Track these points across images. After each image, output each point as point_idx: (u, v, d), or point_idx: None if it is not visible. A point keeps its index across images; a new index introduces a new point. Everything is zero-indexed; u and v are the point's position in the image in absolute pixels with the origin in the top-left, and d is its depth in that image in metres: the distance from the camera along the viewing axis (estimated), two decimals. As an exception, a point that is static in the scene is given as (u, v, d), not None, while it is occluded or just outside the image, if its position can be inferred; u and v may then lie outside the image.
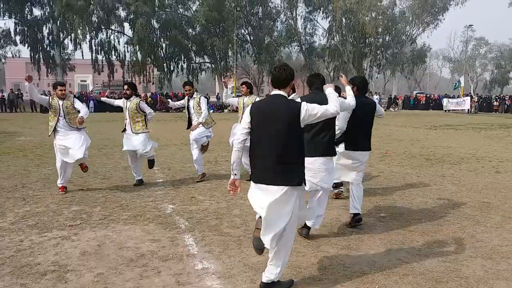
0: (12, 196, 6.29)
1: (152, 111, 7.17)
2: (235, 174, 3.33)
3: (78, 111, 6.42)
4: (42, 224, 5.02)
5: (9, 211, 5.52)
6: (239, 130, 3.43)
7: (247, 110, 3.36)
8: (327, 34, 46.13)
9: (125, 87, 7.11)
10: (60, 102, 6.36)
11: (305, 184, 3.43)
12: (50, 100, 6.39)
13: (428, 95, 44.04)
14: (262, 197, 3.29)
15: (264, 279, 3.35)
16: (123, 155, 10.12)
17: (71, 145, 6.28)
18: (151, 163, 7.26)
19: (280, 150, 3.21)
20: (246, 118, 3.31)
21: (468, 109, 34.43)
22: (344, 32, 44.26)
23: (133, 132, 6.91)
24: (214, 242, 4.46)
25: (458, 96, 38.19)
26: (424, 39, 76.34)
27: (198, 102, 7.38)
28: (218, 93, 41.35)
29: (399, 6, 45.59)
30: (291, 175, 3.23)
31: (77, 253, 4.15)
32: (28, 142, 12.69)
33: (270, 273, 3.34)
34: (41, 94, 27.37)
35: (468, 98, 35.39)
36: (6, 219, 5.20)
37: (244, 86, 7.49)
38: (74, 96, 6.87)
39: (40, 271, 3.73)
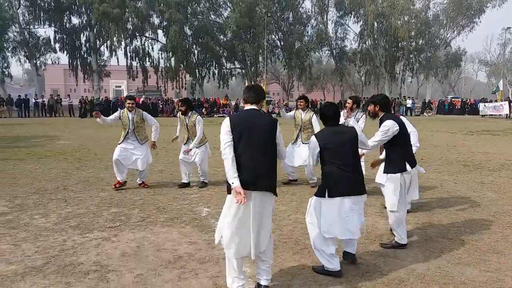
0: (55, 198, 6.55)
1: (200, 132, 7.34)
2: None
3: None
4: (83, 225, 5.20)
5: (52, 212, 5.75)
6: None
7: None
8: (359, 38, 45.61)
9: (180, 104, 7.48)
10: (130, 116, 7.13)
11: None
12: (121, 114, 7.18)
13: (463, 100, 42.75)
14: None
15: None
16: (159, 159, 10.37)
17: (136, 153, 7.16)
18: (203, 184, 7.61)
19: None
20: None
21: (507, 114, 33.21)
22: (376, 36, 43.61)
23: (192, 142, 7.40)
24: (249, 246, 4.48)
25: (496, 101, 36.93)
26: (459, 42, 74.71)
27: None
28: None
29: (432, 9, 44.70)
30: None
31: (118, 254, 4.28)
32: (68, 145, 13.16)
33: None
34: (79, 100, 28.16)
35: (507, 102, 34.16)
36: (50, 219, 5.42)
37: (302, 100, 7.62)
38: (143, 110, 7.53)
39: (83, 270, 3.87)
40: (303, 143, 7.44)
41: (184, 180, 7.50)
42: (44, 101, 31.42)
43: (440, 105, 40.62)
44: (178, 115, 7.77)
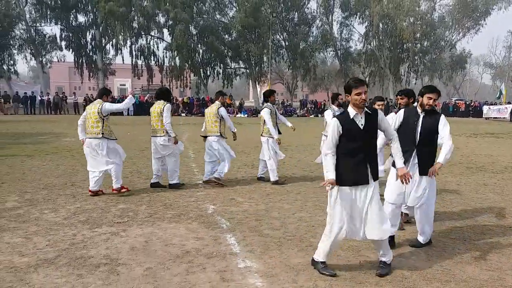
0: (63, 193, 6.67)
1: (169, 120, 7.00)
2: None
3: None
4: (92, 220, 5.31)
5: (61, 207, 5.87)
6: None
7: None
8: (364, 39, 45.63)
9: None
10: None
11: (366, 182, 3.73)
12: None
13: (468, 102, 42.70)
14: None
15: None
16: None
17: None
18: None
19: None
20: None
21: (511, 117, 33.19)
22: (381, 37, 43.65)
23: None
24: (255, 243, 4.59)
25: (500, 104, 36.92)
26: (464, 45, 74.44)
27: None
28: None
29: (438, 11, 44.69)
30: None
31: (127, 248, 4.38)
32: (74, 142, 13.28)
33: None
34: (84, 98, 28.19)
35: (510, 105, 34.14)
36: (59, 214, 5.54)
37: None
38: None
39: (94, 263, 3.98)
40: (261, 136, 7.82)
41: (153, 180, 7.26)
42: (49, 98, 31.61)
43: (444, 107, 40.57)
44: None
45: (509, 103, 36.42)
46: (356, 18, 44.96)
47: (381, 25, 42.69)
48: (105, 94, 6.74)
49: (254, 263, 4.04)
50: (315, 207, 6.16)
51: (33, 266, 3.89)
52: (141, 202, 6.24)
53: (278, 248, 4.44)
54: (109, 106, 6.57)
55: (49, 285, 3.52)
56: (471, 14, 42.11)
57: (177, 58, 40.41)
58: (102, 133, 6.39)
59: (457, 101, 44.01)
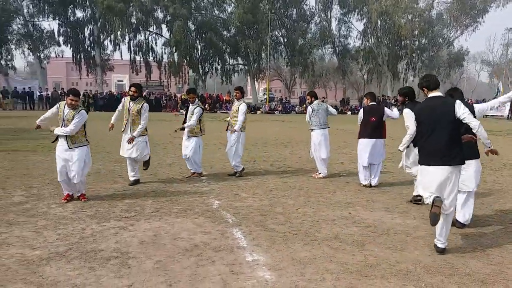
0: (69, 188, 6.72)
1: (146, 121, 6.92)
2: None
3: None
4: (100, 214, 5.39)
5: (69, 202, 5.93)
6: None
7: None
8: (362, 36, 45.67)
9: (132, 89, 7.02)
10: (66, 111, 5.82)
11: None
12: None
13: (466, 100, 42.91)
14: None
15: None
16: (167, 152, 10.55)
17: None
18: (146, 164, 7.39)
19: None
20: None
21: (508, 115, 33.41)
22: (379, 34, 43.69)
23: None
24: (261, 237, 4.68)
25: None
26: (461, 42, 74.39)
27: (192, 111, 7.85)
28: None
29: (436, 8, 44.66)
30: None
31: (136, 242, 4.46)
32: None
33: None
34: (83, 94, 27.76)
35: (508, 103, 34.38)
36: (67, 209, 5.61)
37: (238, 91, 8.20)
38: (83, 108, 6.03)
39: (105, 256, 4.06)
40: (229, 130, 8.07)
41: (131, 178, 7.15)
42: (48, 94, 31.56)
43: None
44: (123, 99, 7.30)
45: (506, 100, 36.61)
46: (354, 14, 44.97)
47: (379, 22, 42.70)
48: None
49: (261, 256, 4.13)
50: (318, 202, 6.25)
51: (45, 259, 3.96)
52: (147, 197, 6.31)
53: (284, 242, 4.53)
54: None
55: (62, 277, 3.59)
56: (469, 11, 42.17)
57: (175, 54, 40.33)
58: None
59: (454, 99, 44.11)
